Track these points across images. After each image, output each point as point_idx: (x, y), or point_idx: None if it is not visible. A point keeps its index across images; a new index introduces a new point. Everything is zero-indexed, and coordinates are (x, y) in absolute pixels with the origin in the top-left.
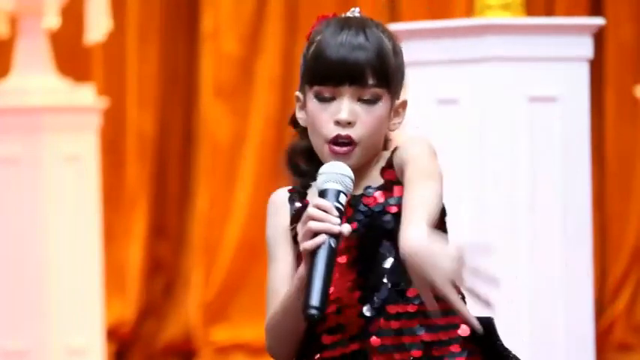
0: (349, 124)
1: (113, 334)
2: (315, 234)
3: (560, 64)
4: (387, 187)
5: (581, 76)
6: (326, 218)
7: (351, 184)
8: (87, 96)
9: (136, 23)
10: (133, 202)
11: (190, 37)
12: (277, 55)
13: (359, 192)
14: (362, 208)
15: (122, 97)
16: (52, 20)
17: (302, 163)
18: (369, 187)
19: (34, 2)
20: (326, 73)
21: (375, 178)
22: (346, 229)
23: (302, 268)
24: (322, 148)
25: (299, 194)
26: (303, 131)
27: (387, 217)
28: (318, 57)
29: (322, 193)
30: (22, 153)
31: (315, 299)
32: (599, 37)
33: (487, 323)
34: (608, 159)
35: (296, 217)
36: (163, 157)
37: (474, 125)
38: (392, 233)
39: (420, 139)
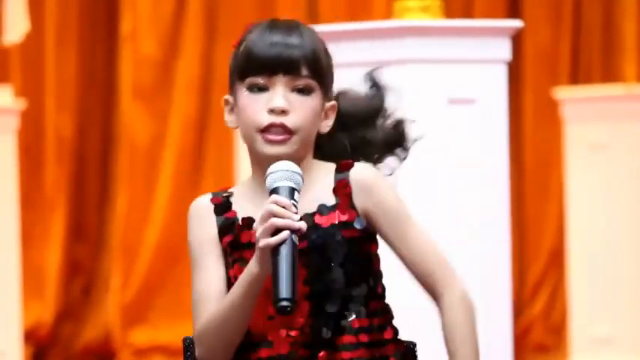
0: (283, 112)
1: (31, 337)
2: (277, 230)
3: (478, 66)
4: (341, 208)
5: (500, 78)
6: (287, 214)
7: (302, 182)
8: (5, 98)
9: (54, 25)
10: (52, 205)
11: (109, 38)
12: (196, 57)
13: (311, 209)
14: (314, 228)
15: (40, 99)
16: None
17: None
18: (322, 205)
19: None
20: (260, 63)
21: (326, 195)
22: (304, 225)
23: (252, 264)
24: (254, 138)
25: (224, 205)
26: None
27: (339, 240)
28: (251, 50)
29: (275, 191)
30: None
31: (285, 291)
32: (518, 39)
33: (410, 349)
34: (526, 161)
35: (225, 228)
36: (82, 160)
37: None
38: (342, 257)
39: (380, 177)
